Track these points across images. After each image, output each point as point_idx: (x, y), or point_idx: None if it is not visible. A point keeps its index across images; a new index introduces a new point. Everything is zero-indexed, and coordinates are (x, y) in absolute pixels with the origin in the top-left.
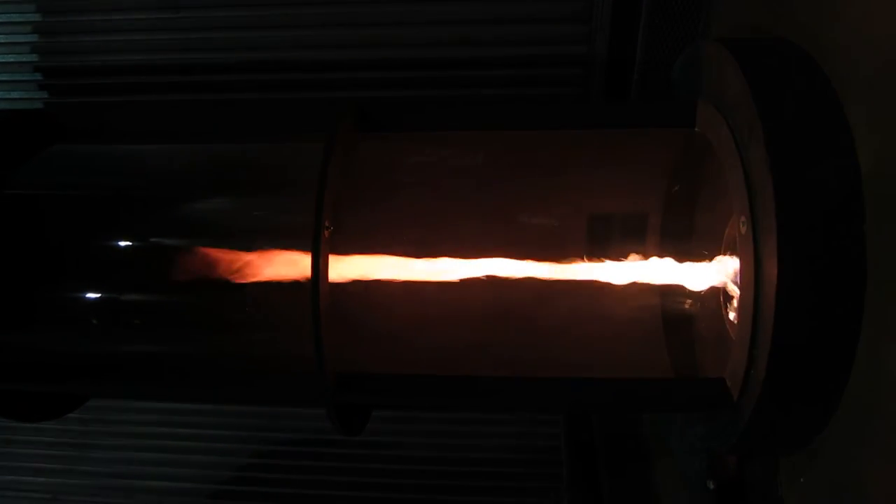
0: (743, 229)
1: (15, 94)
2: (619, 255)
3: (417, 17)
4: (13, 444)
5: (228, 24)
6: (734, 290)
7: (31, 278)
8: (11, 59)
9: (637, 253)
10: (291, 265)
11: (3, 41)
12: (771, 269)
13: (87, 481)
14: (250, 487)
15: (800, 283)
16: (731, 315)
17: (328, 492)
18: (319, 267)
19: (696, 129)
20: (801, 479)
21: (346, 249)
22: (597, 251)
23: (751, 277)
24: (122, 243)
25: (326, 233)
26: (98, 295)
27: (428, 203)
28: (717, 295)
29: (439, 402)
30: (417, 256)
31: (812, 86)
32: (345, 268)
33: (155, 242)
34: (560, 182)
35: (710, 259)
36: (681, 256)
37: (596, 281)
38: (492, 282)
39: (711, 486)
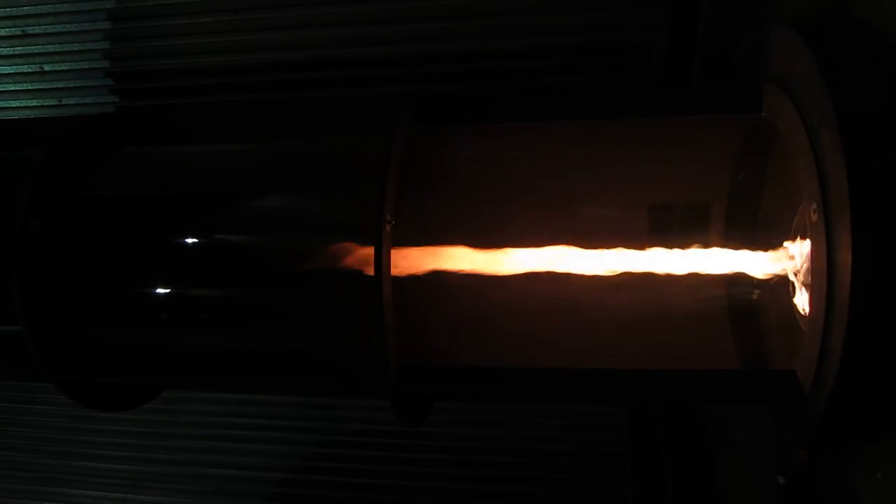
0: (814, 217)
1: (89, 100)
2: (684, 245)
3: (473, 10)
4: (94, 433)
5: (289, 23)
6: (805, 280)
7: (107, 276)
8: (86, 66)
9: (702, 242)
10: (355, 259)
11: (77, 49)
12: (845, 257)
13: (163, 469)
14: (319, 477)
15: (876, 271)
16: (803, 305)
17: (391, 482)
18: (382, 261)
19: (763, 115)
20: (878, 475)
21: (407, 243)
22: (661, 241)
23: (823, 266)
24: (190, 240)
25: (388, 227)
26: (168, 290)
27: (488, 195)
28: (787, 284)
29: (503, 394)
30: (479, 248)
31: (886, 66)
32: (407, 261)
33: (220, 239)
34: (622, 171)
35: (779, 247)
36: (747, 245)
37: (661, 271)
38: (554, 273)
39: (781, 480)
